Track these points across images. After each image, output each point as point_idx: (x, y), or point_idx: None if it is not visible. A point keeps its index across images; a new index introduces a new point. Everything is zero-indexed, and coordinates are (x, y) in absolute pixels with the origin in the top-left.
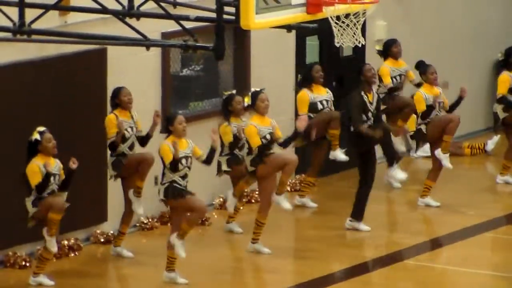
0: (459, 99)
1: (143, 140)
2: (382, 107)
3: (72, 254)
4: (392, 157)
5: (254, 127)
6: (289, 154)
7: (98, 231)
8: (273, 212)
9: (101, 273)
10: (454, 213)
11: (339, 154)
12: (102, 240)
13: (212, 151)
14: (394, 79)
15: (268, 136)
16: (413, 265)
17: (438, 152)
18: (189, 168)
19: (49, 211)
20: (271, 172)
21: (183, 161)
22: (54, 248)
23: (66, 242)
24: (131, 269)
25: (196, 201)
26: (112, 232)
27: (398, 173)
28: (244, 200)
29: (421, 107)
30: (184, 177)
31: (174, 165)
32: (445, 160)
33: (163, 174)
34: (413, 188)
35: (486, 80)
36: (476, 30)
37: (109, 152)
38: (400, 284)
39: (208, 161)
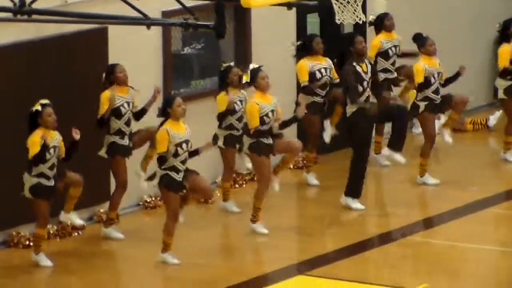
0: (457, 75)
1: (139, 115)
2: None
3: (75, 234)
4: (398, 143)
5: (256, 105)
6: (295, 142)
7: (102, 210)
8: (272, 190)
9: (105, 252)
10: (456, 188)
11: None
12: (105, 219)
13: (197, 151)
14: (390, 51)
15: (270, 114)
16: (414, 242)
17: (440, 126)
18: (188, 152)
19: (71, 187)
20: (266, 163)
21: (183, 145)
22: (78, 221)
23: (69, 222)
24: (135, 248)
25: (176, 208)
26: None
27: (397, 156)
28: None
29: (419, 78)
30: (184, 161)
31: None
32: (447, 135)
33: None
34: (414, 163)
35: (487, 56)
36: (477, 8)
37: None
38: (402, 261)
39: (193, 155)
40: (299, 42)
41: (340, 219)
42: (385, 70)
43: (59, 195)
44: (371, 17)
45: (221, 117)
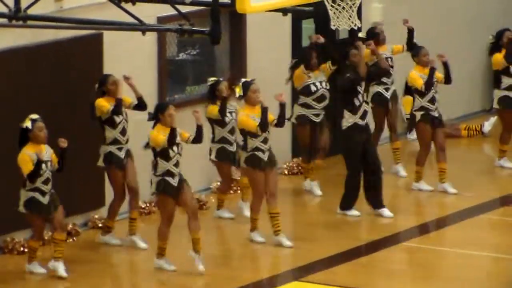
0: (445, 66)
1: (140, 105)
2: None
3: (70, 240)
4: (378, 199)
5: (246, 115)
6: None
7: (96, 216)
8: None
9: (99, 258)
10: (451, 195)
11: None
12: (100, 225)
13: (198, 128)
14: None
15: None
16: (410, 247)
17: (414, 184)
18: (180, 154)
19: (30, 238)
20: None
21: (174, 148)
22: (64, 273)
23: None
24: (129, 254)
25: (170, 213)
26: None
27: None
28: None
29: (419, 83)
30: (176, 164)
31: (164, 151)
32: (426, 185)
33: (156, 164)
34: (410, 170)
35: (482, 62)
36: (473, 13)
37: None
38: (398, 266)
39: (198, 139)
40: (294, 60)
41: (336, 225)
42: (379, 82)
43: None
44: (360, 34)
45: (212, 127)
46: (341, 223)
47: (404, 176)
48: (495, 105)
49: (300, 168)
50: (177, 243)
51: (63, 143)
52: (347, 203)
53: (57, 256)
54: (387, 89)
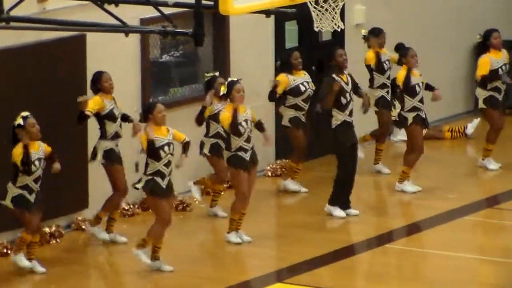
0: (433, 88)
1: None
2: None
3: (54, 241)
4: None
5: (228, 113)
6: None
7: (80, 218)
8: (256, 198)
9: (83, 260)
10: (434, 196)
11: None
12: (83, 227)
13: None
14: (384, 64)
15: (243, 124)
16: (394, 249)
17: (397, 185)
18: (172, 154)
19: (24, 231)
20: (243, 177)
21: (165, 148)
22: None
23: (47, 229)
24: (113, 256)
25: (165, 213)
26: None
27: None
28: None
29: (404, 84)
30: (167, 164)
31: (155, 151)
32: (409, 186)
33: (147, 164)
34: (394, 172)
35: (465, 64)
36: (456, 15)
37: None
38: (382, 268)
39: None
40: (278, 62)
41: (320, 226)
42: (383, 86)
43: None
44: (363, 31)
45: (207, 123)
46: (325, 224)
47: (388, 173)
48: (481, 105)
49: (283, 170)
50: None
51: (56, 166)
52: (334, 199)
53: (30, 257)
54: (388, 92)
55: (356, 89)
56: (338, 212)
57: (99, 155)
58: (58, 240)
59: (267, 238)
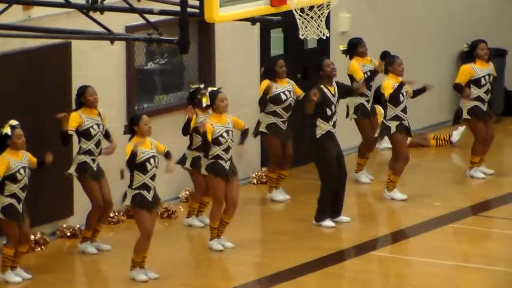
0: (424, 89)
1: (105, 135)
2: None
3: (39, 249)
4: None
5: (210, 125)
6: (235, 195)
7: (65, 225)
8: (241, 205)
9: (68, 268)
10: (419, 204)
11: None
12: (68, 234)
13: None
14: (365, 75)
15: (224, 135)
16: (380, 257)
17: (386, 193)
18: (156, 167)
19: (4, 245)
20: (220, 185)
21: (151, 160)
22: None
23: (32, 237)
24: (98, 263)
25: (148, 226)
26: (78, 226)
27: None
28: None
29: (388, 91)
30: (153, 177)
31: (141, 164)
32: (399, 194)
33: (132, 177)
34: (379, 180)
35: (450, 71)
36: (441, 23)
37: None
38: (368, 276)
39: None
40: (263, 68)
41: (304, 234)
42: (361, 93)
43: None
44: (341, 47)
45: (190, 135)
46: (310, 232)
47: (367, 182)
48: (465, 116)
49: (269, 177)
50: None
51: (49, 157)
52: (323, 214)
53: (14, 266)
54: (368, 101)
55: (348, 89)
56: (327, 223)
57: (72, 167)
58: (43, 247)
59: (252, 245)
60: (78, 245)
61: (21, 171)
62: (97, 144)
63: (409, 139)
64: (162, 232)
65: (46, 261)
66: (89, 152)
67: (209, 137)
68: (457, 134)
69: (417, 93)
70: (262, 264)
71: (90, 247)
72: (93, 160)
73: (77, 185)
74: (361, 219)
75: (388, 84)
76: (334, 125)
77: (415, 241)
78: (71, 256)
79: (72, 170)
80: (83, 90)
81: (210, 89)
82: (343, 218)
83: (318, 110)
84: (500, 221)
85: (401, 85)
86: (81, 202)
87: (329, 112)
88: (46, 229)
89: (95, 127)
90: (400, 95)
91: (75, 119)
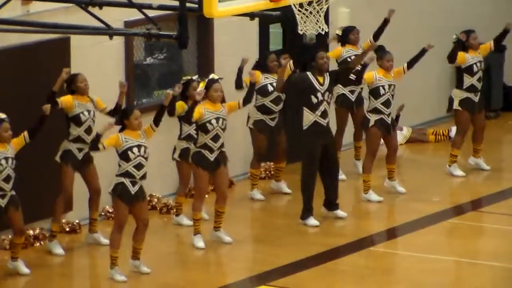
0: (422, 52)
1: (116, 111)
2: None
3: (38, 244)
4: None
5: (201, 108)
6: (224, 186)
7: (64, 221)
8: (240, 200)
9: (67, 263)
10: (419, 199)
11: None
12: (67, 229)
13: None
14: (349, 59)
15: (213, 122)
16: (379, 252)
17: (387, 182)
18: (144, 158)
19: (13, 236)
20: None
21: (135, 149)
22: (26, 270)
23: (31, 232)
24: (97, 258)
25: (122, 216)
26: (77, 221)
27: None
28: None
29: (368, 80)
30: (138, 167)
31: (123, 152)
32: (398, 187)
33: (119, 164)
34: (377, 175)
35: (449, 66)
36: (440, 18)
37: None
38: (366, 271)
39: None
40: (255, 60)
41: (302, 229)
42: (349, 83)
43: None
44: (337, 31)
45: (180, 123)
46: (307, 227)
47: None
48: (456, 106)
49: (268, 172)
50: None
51: (46, 109)
52: (305, 211)
53: (14, 256)
54: (352, 92)
55: (342, 70)
56: (310, 221)
57: (58, 154)
58: (42, 242)
59: (250, 241)
60: (89, 234)
61: (3, 161)
62: (88, 131)
63: (408, 133)
64: (160, 227)
65: (45, 256)
66: (78, 139)
67: (196, 116)
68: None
69: (414, 59)
70: (260, 259)
71: (58, 248)
72: (80, 150)
73: (76, 180)
74: (359, 214)
75: (370, 75)
76: (323, 115)
77: (413, 236)
78: (70, 251)
79: (57, 157)
80: (73, 77)
81: (211, 76)
82: (340, 212)
83: (303, 98)
84: (499, 216)
85: (365, 66)
86: (80, 198)
87: (314, 100)
88: (45, 224)
89: (86, 113)
90: (381, 87)
91: (67, 101)
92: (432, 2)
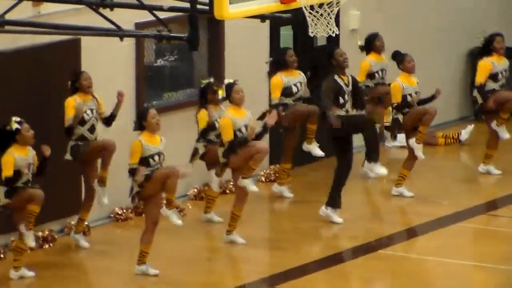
0: (432, 98)
1: (108, 120)
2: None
3: (47, 246)
4: (373, 154)
5: (229, 120)
6: (260, 143)
7: (72, 222)
8: (249, 203)
9: (76, 265)
10: (428, 203)
11: (314, 148)
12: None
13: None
14: (376, 74)
15: (243, 129)
16: (388, 255)
17: (412, 141)
18: (161, 165)
19: (29, 203)
20: (243, 162)
21: (155, 157)
22: (33, 243)
23: (40, 234)
24: (106, 261)
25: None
26: (86, 223)
27: (379, 168)
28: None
29: (397, 98)
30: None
31: (144, 160)
32: (418, 150)
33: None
34: (388, 178)
35: (459, 69)
36: (450, 20)
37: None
38: (376, 274)
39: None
40: (271, 59)
41: (312, 232)
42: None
43: (13, 209)
44: (359, 42)
45: (203, 133)
46: (318, 230)
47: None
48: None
49: (277, 175)
50: (151, 249)
51: (46, 150)
52: (332, 199)
53: (17, 265)
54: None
55: (358, 102)
56: (336, 218)
57: (67, 153)
58: (51, 244)
59: (261, 244)
60: (72, 234)
61: (25, 169)
62: (91, 130)
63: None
64: (170, 229)
65: (54, 258)
66: (82, 138)
67: (231, 132)
68: (466, 132)
69: (423, 102)
70: (270, 262)
71: (82, 240)
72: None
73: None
74: (369, 217)
75: (397, 87)
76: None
77: (423, 239)
78: (79, 253)
79: (67, 155)
80: (77, 74)
81: (226, 81)
82: (337, 219)
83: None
84: (509, 220)
85: (431, 99)
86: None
87: (341, 101)
88: (54, 226)
89: (89, 112)
90: (408, 96)
91: (71, 104)
92: (442, 3)
